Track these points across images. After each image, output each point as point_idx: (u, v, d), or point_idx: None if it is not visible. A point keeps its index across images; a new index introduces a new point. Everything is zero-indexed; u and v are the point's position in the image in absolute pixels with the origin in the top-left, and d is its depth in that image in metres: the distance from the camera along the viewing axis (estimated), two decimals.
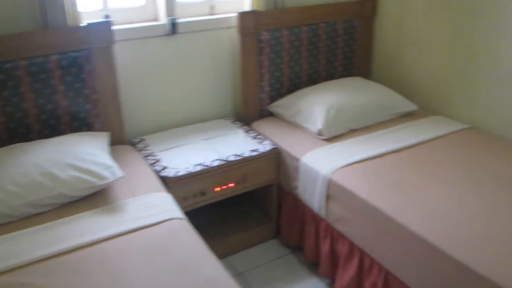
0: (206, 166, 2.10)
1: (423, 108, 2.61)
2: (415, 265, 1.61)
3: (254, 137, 2.37)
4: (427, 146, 2.15)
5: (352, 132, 2.33)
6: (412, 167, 1.97)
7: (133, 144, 2.32)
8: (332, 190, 1.96)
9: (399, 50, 2.75)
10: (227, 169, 2.15)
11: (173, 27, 2.31)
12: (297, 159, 2.16)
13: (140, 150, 2.24)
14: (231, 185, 2.19)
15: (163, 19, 2.33)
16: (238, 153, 2.20)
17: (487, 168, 1.93)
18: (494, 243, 1.49)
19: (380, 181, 1.88)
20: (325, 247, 2.05)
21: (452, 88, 2.47)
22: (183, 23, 2.36)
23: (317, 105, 2.35)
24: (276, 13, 2.50)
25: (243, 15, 2.39)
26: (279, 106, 2.55)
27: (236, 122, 2.56)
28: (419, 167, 1.97)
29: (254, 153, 2.21)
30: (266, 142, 2.31)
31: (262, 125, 2.50)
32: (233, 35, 2.49)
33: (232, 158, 2.16)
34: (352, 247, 1.91)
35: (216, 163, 2.12)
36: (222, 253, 2.30)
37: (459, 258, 1.45)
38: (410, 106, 2.50)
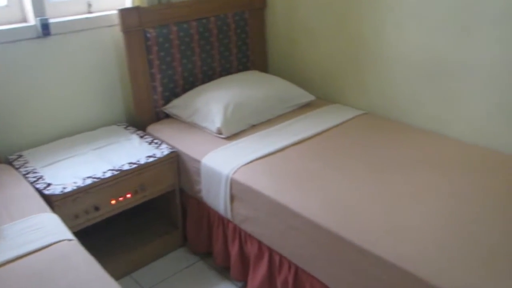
0: (98, 178, 1.90)
1: (320, 97, 2.63)
2: (322, 256, 1.59)
3: (150, 142, 2.21)
4: (327, 135, 2.16)
5: (252, 127, 2.27)
6: (313, 157, 1.96)
7: (9, 162, 2.04)
8: (236, 190, 1.88)
9: (292, 41, 2.75)
10: (122, 179, 1.97)
11: (45, 28, 2.07)
12: (197, 161, 2.05)
13: (18, 168, 1.97)
14: (128, 196, 2.02)
15: (32, 20, 2.07)
16: (133, 160, 2.03)
17: (384, 152, 1.98)
18: (392, 226, 1.50)
19: (283, 175, 1.84)
20: (234, 250, 1.97)
21: (345, 75, 2.52)
22: (57, 23, 2.12)
23: (214, 103, 2.25)
24: (161, 9, 2.35)
25: (124, 12, 2.20)
26: (174, 106, 2.41)
27: (129, 128, 2.38)
28: (320, 157, 1.96)
29: (151, 159, 2.05)
30: (164, 146, 2.17)
31: (158, 129, 2.35)
32: (117, 34, 2.30)
33: (126, 167, 1.98)
34: (261, 246, 1.85)
35: (109, 174, 1.93)
36: (126, 270, 2.13)
37: (359, 243, 1.45)
38: (308, 97, 2.50)
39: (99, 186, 1.90)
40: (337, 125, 2.24)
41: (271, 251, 1.81)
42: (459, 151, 1.97)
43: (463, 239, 1.42)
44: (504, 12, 1.81)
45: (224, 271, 2.11)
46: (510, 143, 1.95)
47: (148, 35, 2.30)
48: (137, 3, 2.27)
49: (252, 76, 2.58)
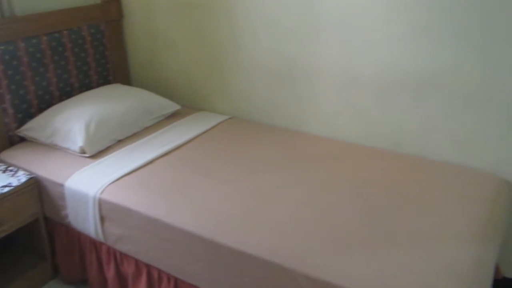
0: None
1: (186, 106, 2.66)
2: (200, 264, 1.61)
3: (4, 170, 2.02)
4: (194, 143, 2.19)
5: (119, 143, 2.20)
6: (182, 167, 1.97)
7: None
8: (105, 210, 1.81)
9: (153, 51, 2.72)
10: None
11: None
12: (61, 185, 1.92)
13: None
14: None
15: None
16: None
17: (250, 154, 2.07)
18: (261, 224, 1.58)
19: (153, 188, 1.82)
20: (110, 273, 1.89)
21: (209, 83, 2.58)
22: None
23: (74, 121, 2.13)
24: (4, 24, 2.16)
25: None
26: (30, 129, 2.23)
27: None
28: (189, 166, 1.98)
29: (6, 189, 1.88)
30: (20, 173, 2.00)
31: (12, 155, 2.15)
32: None
33: None
34: (138, 264, 1.81)
35: None
36: None
37: (232, 245, 1.50)
38: (173, 106, 2.50)
39: None
40: (203, 132, 2.28)
41: (148, 267, 1.78)
42: (316, 145, 2.15)
43: (327, 227, 1.55)
44: (344, 15, 2.02)
45: None
46: (357, 135, 2.18)
47: None
48: None
49: (114, 90, 2.50)
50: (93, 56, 2.58)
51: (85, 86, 2.57)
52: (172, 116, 2.48)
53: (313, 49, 2.16)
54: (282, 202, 1.70)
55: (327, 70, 2.15)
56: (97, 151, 2.10)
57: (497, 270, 1.86)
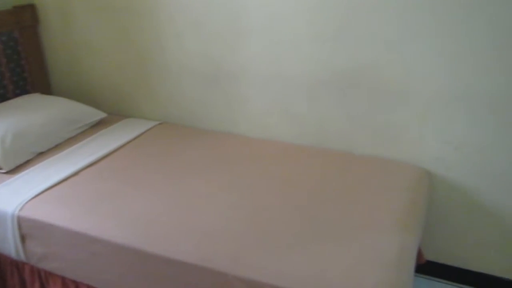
0: None
1: (113, 113, 2.57)
2: (130, 275, 1.55)
3: None
4: (122, 151, 2.12)
5: (39, 156, 2.08)
6: (109, 177, 1.90)
7: None
8: (26, 228, 1.70)
9: (74, 58, 2.60)
10: None
11: None
12: None
13: None
14: None
15: None
16: None
17: (181, 159, 2.03)
18: (192, 230, 1.56)
19: (78, 201, 1.73)
20: None
21: (136, 88, 2.50)
22: None
23: None
24: None
25: None
26: None
27: None
28: (117, 175, 1.91)
29: None
30: None
31: None
32: None
33: None
34: (65, 282, 1.72)
35: None
36: None
37: (163, 254, 1.46)
38: (99, 115, 2.41)
39: None
40: (132, 140, 2.22)
41: (77, 284, 1.70)
42: (247, 146, 2.16)
43: (259, 228, 1.55)
44: (269, 17, 2.04)
45: None
46: (287, 134, 2.21)
47: None
48: None
49: (32, 100, 2.36)
50: (7, 65, 2.42)
51: (0, 97, 2.40)
52: (98, 125, 2.39)
53: (240, 51, 2.16)
54: (214, 206, 1.68)
55: (254, 71, 2.17)
56: (14, 166, 1.97)
57: (420, 255, 1.97)
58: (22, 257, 1.75)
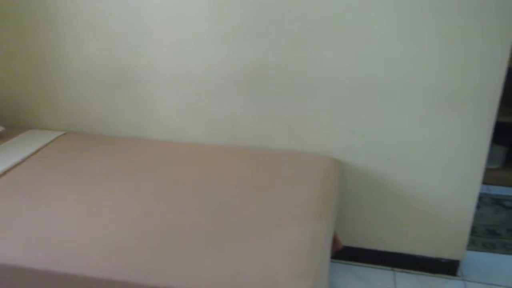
0: None
1: (11, 126, 2.38)
2: None
3: None
4: (23, 166, 1.96)
5: None
6: (9, 194, 1.74)
7: None
8: None
9: None
10: None
11: None
12: None
13: None
14: None
15: None
16: None
17: (88, 170, 1.93)
18: (101, 243, 1.48)
19: None
20: None
21: (35, 97, 2.33)
22: None
23: None
24: None
25: None
26: None
27: None
28: (18, 192, 1.76)
29: None
30: None
31: None
32: None
33: None
34: None
35: None
36: None
37: (71, 271, 1.37)
38: None
39: None
40: (34, 153, 2.06)
41: None
42: (158, 150, 2.10)
43: (174, 234, 1.51)
44: (171, 16, 1.99)
45: None
46: (198, 134, 2.19)
47: None
48: None
49: None
50: None
51: None
52: None
53: (143, 53, 2.09)
54: (124, 216, 1.61)
55: (160, 72, 2.11)
56: None
57: (337, 241, 2.04)
58: None
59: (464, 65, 1.79)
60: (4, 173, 1.90)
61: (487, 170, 3.12)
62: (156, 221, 1.58)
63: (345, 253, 2.24)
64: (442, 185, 2.02)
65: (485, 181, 3.14)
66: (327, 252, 1.56)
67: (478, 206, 2.85)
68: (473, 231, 2.58)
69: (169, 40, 2.04)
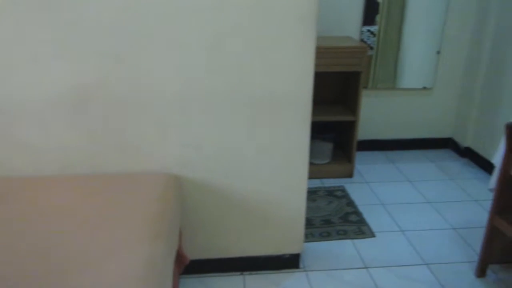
0: None
1: None
2: None
3: None
4: None
5: None
6: None
7: None
8: None
9: None
10: None
11: None
12: None
13: None
14: None
15: None
16: None
17: None
18: None
19: None
20: None
21: None
22: None
23: None
24: None
25: None
26: None
27: None
28: None
29: None
30: None
31: None
32: None
33: None
34: None
35: None
36: None
37: None
38: None
39: None
40: None
41: None
42: (34, 188, 1.85)
43: None
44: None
45: None
46: (23, 167, 1.99)
47: None
48: None
49: None
50: None
51: None
52: None
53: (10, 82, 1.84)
54: None
55: (45, 98, 1.89)
56: None
57: (183, 257, 2.04)
58: None
59: (277, 72, 1.95)
60: None
61: (319, 166, 3.45)
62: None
63: (194, 267, 2.26)
64: (274, 186, 2.17)
65: (318, 176, 3.47)
66: (168, 270, 1.54)
67: (314, 200, 3.13)
68: (311, 223, 2.83)
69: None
